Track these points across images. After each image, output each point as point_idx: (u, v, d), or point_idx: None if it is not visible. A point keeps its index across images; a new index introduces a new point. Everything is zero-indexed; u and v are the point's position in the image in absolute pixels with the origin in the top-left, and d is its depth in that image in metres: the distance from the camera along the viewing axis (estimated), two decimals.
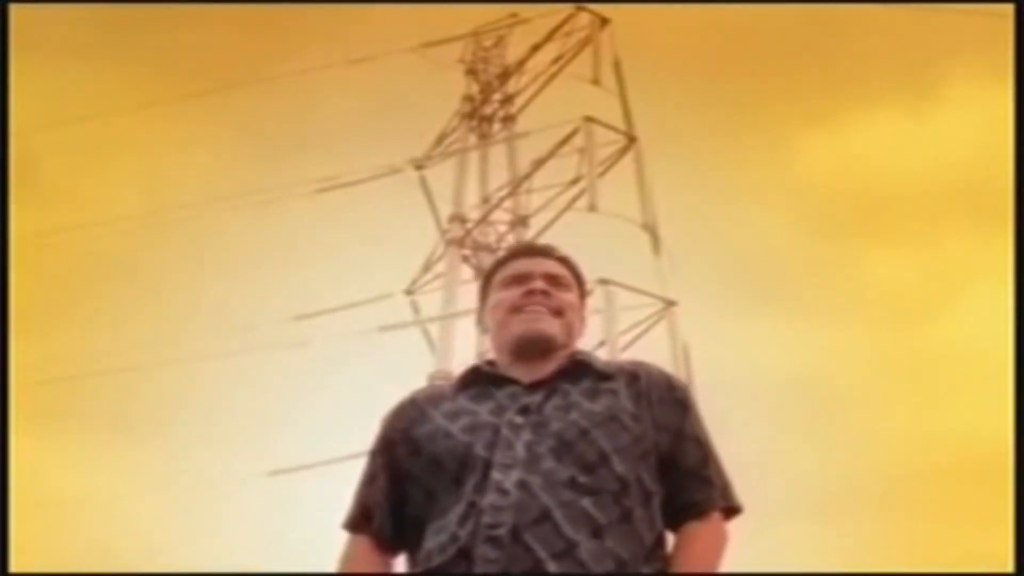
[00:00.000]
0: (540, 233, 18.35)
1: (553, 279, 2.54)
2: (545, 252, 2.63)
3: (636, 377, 2.43)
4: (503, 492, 2.20)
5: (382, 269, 18.36)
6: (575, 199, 17.72)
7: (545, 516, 2.18)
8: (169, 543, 20.26)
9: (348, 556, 2.44)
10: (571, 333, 2.52)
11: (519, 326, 2.45)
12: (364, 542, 2.42)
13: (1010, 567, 4.79)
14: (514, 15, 19.80)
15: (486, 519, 2.18)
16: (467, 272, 17.66)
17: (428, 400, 2.45)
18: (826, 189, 26.40)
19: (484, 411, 2.35)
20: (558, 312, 2.50)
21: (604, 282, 16.62)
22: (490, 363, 2.50)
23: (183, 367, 18.51)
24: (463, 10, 20.02)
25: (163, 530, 20.78)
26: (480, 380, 2.44)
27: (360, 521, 2.44)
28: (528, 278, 2.52)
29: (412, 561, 2.36)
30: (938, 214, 26.79)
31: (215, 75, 23.85)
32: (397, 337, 17.14)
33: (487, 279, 2.61)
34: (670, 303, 17.15)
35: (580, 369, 2.44)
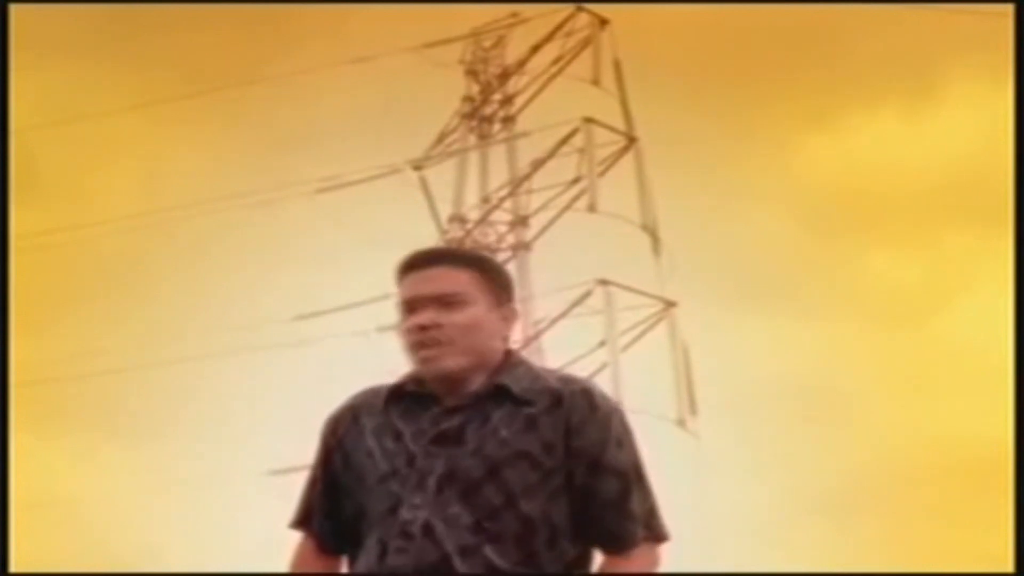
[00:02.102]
0: (540, 233, 18.39)
1: (443, 300, 2.34)
2: (433, 260, 2.40)
3: (558, 401, 2.32)
4: (408, 536, 2.26)
5: (382, 269, 18.29)
6: (575, 199, 17.75)
7: (445, 562, 2.24)
8: (169, 543, 20.29)
9: (295, 559, 2.54)
10: (479, 350, 2.35)
11: (421, 367, 2.36)
12: (309, 545, 2.51)
13: (1010, 567, 4.80)
14: (514, 15, 19.81)
15: (391, 560, 2.26)
16: None
17: (365, 410, 2.45)
18: (826, 189, 26.42)
19: (408, 433, 2.36)
20: (451, 341, 2.32)
21: (604, 283, 16.64)
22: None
23: (183, 367, 18.55)
24: (463, 10, 20.05)
25: (163, 530, 20.81)
26: (407, 397, 2.40)
27: (304, 520, 2.52)
28: (414, 306, 2.35)
29: (352, 562, 2.43)
30: (938, 214, 26.82)
31: (215, 75, 23.83)
32: (397, 337, 17.10)
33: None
34: (669, 304, 17.17)
35: (500, 392, 2.34)
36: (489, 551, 2.25)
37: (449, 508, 2.27)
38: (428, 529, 2.26)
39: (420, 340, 2.33)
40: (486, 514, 2.27)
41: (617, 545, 2.34)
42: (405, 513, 2.28)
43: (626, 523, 2.34)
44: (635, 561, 2.35)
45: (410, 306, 2.36)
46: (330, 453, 2.47)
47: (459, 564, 2.23)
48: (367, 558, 2.32)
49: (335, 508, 2.45)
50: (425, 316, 2.33)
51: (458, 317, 2.33)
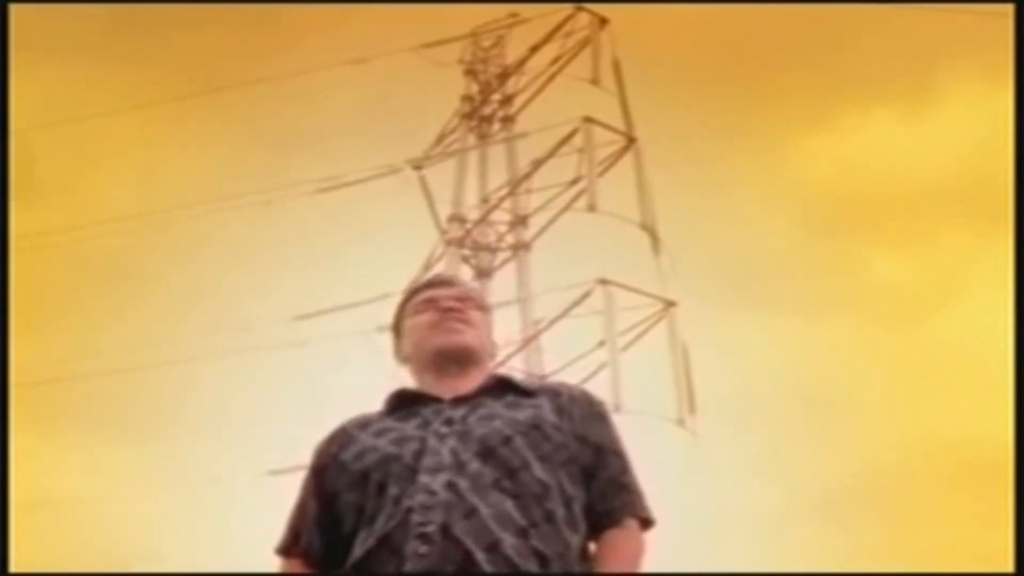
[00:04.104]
0: (539, 233, 18.38)
1: (460, 300, 2.67)
2: (449, 282, 2.78)
3: (558, 394, 2.53)
4: (431, 493, 2.28)
5: (382, 269, 18.36)
6: (574, 199, 17.73)
7: (473, 512, 2.26)
8: (169, 543, 20.29)
9: None
10: (484, 347, 2.65)
11: (438, 339, 2.58)
12: (295, 565, 2.52)
13: (1010, 567, 4.80)
14: (514, 15, 19.80)
15: (416, 517, 2.26)
16: (467, 272, 17.66)
17: (356, 425, 2.55)
18: (825, 189, 26.43)
19: (410, 427, 2.45)
20: (471, 324, 2.63)
21: (604, 282, 16.63)
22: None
23: (182, 367, 18.53)
24: (463, 10, 20.04)
25: (163, 530, 20.81)
26: (405, 402, 2.54)
27: (291, 546, 2.54)
28: (437, 300, 2.65)
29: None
30: (937, 214, 26.83)
31: (215, 75, 23.85)
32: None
33: (399, 315, 2.75)
34: (669, 303, 17.15)
35: (502, 385, 2.54)
36: (511, 507, 2.28)
37: (469, 467, 2.32)
38: (452, 486, 2.29)
39: (445, 317, 2.61)
40: (505, 473, 2.33)
41: (616, 515, 2.44)
42: (424, 477, 2.31)
43: (625, 493, 2.49)
44: (630, 532, 2.45)
45: (432, 301, 2.66)
46: (322, 471, 2.51)
47: (487, 516, 2.25)
48: (375, 535, 2.29)
49: (332, 523, 2.45)
50: (450, 301, 2.64)
51: (473, 312, 2.66)
